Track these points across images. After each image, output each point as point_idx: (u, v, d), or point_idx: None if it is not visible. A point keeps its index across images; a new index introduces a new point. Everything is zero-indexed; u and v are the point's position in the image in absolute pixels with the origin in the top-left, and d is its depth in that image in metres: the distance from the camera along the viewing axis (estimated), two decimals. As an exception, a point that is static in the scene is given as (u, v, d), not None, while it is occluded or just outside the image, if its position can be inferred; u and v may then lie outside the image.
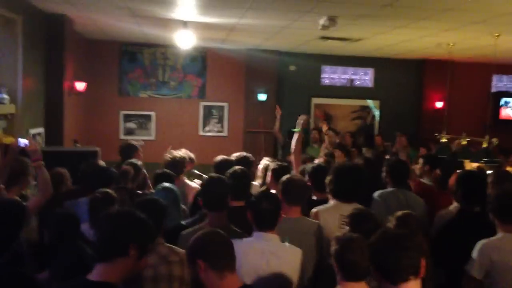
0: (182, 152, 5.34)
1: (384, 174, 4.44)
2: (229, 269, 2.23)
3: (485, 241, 3.22)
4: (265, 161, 5.20)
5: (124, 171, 4.68)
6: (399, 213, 3.13)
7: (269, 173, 4.47)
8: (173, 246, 3.00)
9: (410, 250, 2.03)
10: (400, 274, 2.01)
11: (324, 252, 3.30)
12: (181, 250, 2.94)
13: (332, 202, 3.76)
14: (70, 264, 3.04)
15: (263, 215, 2.94)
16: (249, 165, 4.80)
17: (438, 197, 4.66)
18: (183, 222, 3.71)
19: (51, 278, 3.12)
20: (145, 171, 5.07)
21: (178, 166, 5.09)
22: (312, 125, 9.53)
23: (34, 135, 6.67)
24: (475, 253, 3.21)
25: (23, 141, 3.75)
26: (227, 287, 2.20)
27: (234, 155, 5.07)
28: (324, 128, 7.91)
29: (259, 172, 5.16)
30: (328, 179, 3.82)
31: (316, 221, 3.55)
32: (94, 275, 2.16)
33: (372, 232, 2.86)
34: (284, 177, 3.60)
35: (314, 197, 4.15)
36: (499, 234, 3.27)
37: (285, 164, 4.69)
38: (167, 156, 5.23)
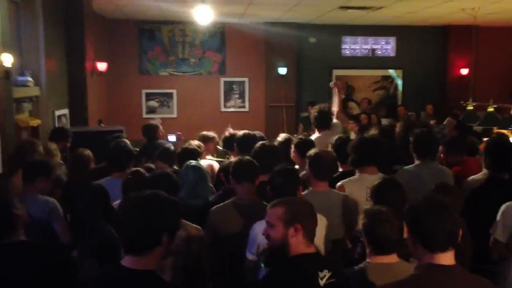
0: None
1: (411, 146, 4.22)
2: (313, 239, 2.35)
3: (509, 204, 3.19)
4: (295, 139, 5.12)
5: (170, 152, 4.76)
6: (438, 181, 3.09)
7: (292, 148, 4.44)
8: (187, 222, 2.93)
9: (453, 218, 1.98)
10: (441, 242, 1.96)
11: (352, 222, 3.30)
12: (191, 227, 2.96)
13: (357, 174, 3.73)
14: (97, 245, 3.06)
15: (277, 191, 2.97)
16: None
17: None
18: (210, 198, 3.76)
19: (80, 257, 3.17)
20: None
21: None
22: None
23: (59, 117, 6.76)
24: (499, 216, 3.19)
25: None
26: (308, 251, 2.30)
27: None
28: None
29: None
30: (349, 151, 3.78)
31: (342, 192, 3.54)
32: (128, 263, 2.00)
33: (399, 201, 2.84)
34: (312, 152, 3.56)
35: (340, 169, 4.13)
36: None
37: (309, 138, 4.64)
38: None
